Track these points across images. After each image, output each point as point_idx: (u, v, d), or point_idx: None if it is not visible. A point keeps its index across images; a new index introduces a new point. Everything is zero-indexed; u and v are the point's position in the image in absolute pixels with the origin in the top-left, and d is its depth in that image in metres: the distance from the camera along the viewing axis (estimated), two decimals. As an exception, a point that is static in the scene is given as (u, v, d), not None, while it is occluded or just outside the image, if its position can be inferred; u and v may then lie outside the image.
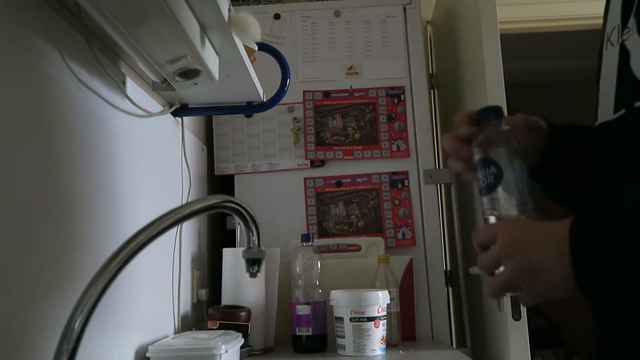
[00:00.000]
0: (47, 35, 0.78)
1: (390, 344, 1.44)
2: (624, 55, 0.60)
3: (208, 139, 1.79)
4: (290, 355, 1.42)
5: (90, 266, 0.87)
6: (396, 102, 1.76)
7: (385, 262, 1.52)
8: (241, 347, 1.19)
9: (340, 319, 1.35)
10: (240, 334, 1.17)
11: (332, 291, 1.40)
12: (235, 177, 1.75)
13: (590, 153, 0.69)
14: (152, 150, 1.20)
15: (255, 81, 1.27)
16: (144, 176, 1.14)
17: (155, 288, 1.19)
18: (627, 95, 0.59)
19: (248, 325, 1.34)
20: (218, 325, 1.29)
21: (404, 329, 1.56)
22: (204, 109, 1.41)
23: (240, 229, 1.65)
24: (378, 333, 1.35)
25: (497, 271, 0.64)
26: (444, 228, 1.97)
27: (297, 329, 1.42)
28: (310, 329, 1.41)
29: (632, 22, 0.59)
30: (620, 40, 0.61)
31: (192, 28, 0.90)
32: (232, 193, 1.73)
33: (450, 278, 1.84)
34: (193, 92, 1.28)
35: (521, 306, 1.44)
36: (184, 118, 1.43)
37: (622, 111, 0.60)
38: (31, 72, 0.74)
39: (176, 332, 1.32)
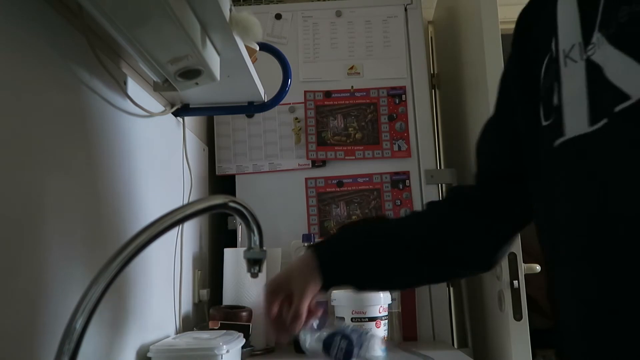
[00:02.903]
0: (48, 35, 0.78)
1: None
2: (593, 69, 0.61)
3: (209, 139, 1.79)
4: (292, 355, 1.41)
5: (91, 266, 0.87)
6: (397, 102, 1.76)
7: (387, 262, 1.52)
8: (242, 347, 1.18)
9: (342, 319, 1.35)
10: (241, 334, 1.17)
11: (334, 291, 1.40)
12: (237, 177, 1.75)
13: (549, 174, 0.68)
14: (153, 150, 1.20)
15: (257, 81, 1.27)
16: (145, 176, 1.14)
17: (157, 288, 1.19)
18: (604, 105, 0.59)
19: (249, 325, 1.34)
20: (219, 325, 1.29)
21: (405, 329, 1.56)
22: (205, 109, 1.41)
23: (241, 229, 1.65)
24: (379, 333, 1.35)
25: None
26: (445, 228, 1.96)
27: (298, 329, 1.42)
28: (312, 329, 1.41)
29: (597, 37, 0.61)
30: (584, 57, 0.63)
31: (194, 28, 0.90)
32: (233, 193, 1.73)
33: (452, 278, 1.84)
34: (194, 92, 1.28)
35: (522, 306, 1.44)
36: (185, 118, 1.44)
37: (604, 120, 0.59)
38: (32, 72, 0.74)
39: (177, 332, 1.32)
